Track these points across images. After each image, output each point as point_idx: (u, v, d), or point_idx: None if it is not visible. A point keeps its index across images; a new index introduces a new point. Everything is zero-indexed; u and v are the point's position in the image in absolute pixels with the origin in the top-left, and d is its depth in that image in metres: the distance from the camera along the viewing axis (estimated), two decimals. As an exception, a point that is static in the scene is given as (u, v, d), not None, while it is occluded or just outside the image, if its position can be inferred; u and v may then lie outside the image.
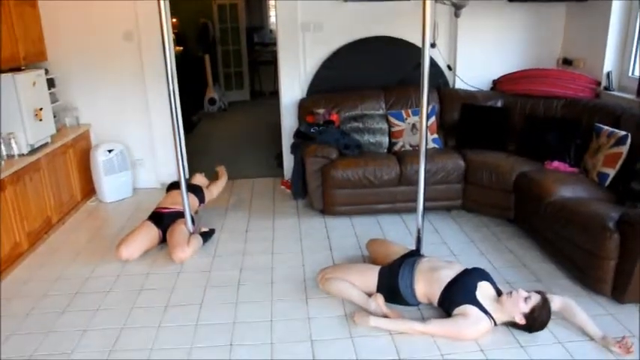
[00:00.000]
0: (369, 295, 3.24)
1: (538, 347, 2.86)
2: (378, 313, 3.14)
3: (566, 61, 5.26)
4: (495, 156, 4.53)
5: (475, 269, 3.19)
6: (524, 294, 2.91)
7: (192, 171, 5.91)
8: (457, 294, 3.01)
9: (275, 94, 5.73)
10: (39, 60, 4.97)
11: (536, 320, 2.89)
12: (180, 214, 4.19)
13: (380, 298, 3.18)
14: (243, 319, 3.22)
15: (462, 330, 2.92)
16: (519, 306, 2.88)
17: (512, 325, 2.96)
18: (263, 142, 7.32)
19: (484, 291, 3.03)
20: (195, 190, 4.64)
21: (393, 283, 3.21)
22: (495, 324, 2.95)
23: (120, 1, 5.08)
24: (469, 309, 2.93)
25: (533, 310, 2.87)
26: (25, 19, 4.70)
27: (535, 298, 2.89)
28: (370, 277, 3.27)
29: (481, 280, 3.07)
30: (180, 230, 4.09)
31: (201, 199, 4.67)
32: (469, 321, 2.91)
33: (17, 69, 4.43)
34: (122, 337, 3.09)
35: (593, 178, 3.95)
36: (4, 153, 4.10)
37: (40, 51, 5.01)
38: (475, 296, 2.97)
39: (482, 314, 2.92)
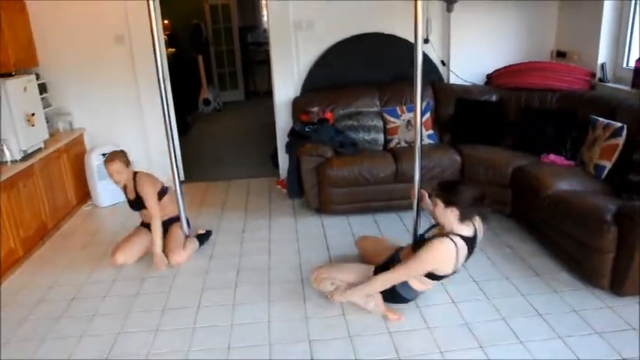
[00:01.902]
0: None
1: (537, 343, 2.84)
2: (377, 313, 3.12)
3: (560, 54, 5.24)
4: (491, 151, 4.51)
5: None
6: (434, 202, 2.91)
7: (188, 173, 5.91)
8: None
9: (270, 93, 5.70)
10: (30, 65, 4.94)
11: (462, 199, 2.83)
12: (173, 219, 4.16)
13: (378, 297, 3.16)
14: (240, 321, 3.20)
15: (421, 255, 2.86)
16: (442, 211, 2.87)
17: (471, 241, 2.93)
18: (258, 142, 7.29)
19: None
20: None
21: None
22: (456, 244, 2.83)
23: (110, 1, 5.06)
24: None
25: (453, 201, 2.82)
26: (14, 24, 4.67)
27: (439, 196, 2.88)
28: (365, 275, 3.24)
29: None
30: (176, 234, 4.08)
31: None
32: (425, 247, 2.87)
33: (7, 74, 4.40)
34: (119, 342, 3.06)
35: (590, 171, 3.93)
36: (-4, 159, 4.07)
37: (31, 56, 4.97)
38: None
39: (436, 239, 2.87)
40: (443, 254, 2.85)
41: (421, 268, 2.92)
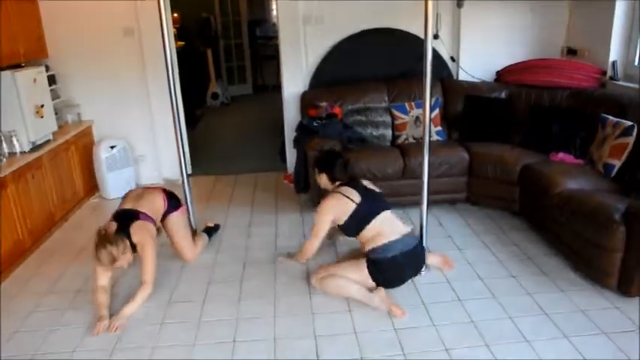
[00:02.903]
0: (369, 289, 3.24)
1: (543, 342, 2.83)
2: (383, 308, 3.12)
3: (571, 51, 5.20)
4: (500, 148, 4.49)
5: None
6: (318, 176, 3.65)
7: (195, 167, 5.91)
8: None
9: (278, 88, 5.69)
10: (39, 57, 4.95)
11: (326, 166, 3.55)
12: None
13: (382, 291, 3.16)
14: (246, 315, 3.21)
15: (318, 210, 3.46)
16: (320, 178, 3.63)
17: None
18: (266, 136, 7.30)
19: None
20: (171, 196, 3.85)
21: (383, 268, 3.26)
22: (341, 193, 3.39)
23: (120, -2, 5.07)
24: None
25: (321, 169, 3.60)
26: (25, 15, 4.68)
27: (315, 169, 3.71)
28: (364, 269, 3.26)
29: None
30: (184, 231, 3.91)
31: (173, 206, 3.81)
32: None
33: (17, 66, 4.42)
34: (125, 334, 3.07)
35: (599, 170, 3.90)
36: (5, 151, 4.08)
37: (41, 48, 4.99)
38: None
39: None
40: (331, 203, 3.40)
41: (323, 218, 3.42)
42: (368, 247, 3.29)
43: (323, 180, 3.62)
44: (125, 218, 3.40)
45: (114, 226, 3.33)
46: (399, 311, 3.10)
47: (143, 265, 3.35)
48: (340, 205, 3.36)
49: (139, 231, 3.34)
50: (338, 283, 3.28)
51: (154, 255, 3.36)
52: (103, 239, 3.18)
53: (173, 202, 3.80)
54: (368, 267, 3.24)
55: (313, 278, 3.44)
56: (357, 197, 3.35)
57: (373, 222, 3.30)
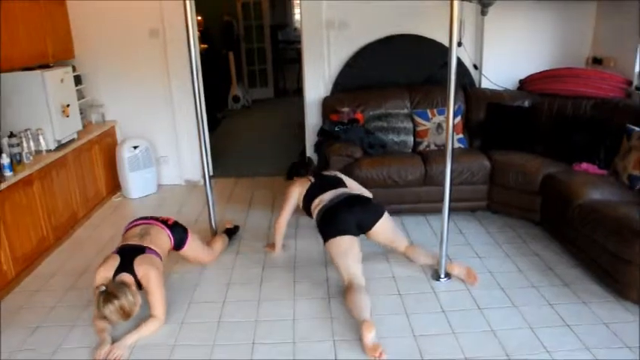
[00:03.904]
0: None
1: (564, 353, 2.80)
2: None
3: (596, 60, 5.15)
4: (522, 157, 4.45)
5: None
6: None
7: (216, 168, 5.96)
8: None
9: (299, 92, 5.71)
10: (66, 57, 5.04)
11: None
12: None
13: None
14: (265, 317, 3.22)
15: (285, 193, 4.03)
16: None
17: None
18: (286, 140, 7.33)
19: None
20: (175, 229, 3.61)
21: None
22: (300, 185, 3.98)
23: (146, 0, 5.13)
24: None
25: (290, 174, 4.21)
26: (54, 16, 4.77)
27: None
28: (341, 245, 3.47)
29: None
30: (201, 250, 3.80)
31: (179, 242, 3.60)
32: None
33: (46, 66, 4.50)
34: (145, 333, 3.11)
35: (624, 181, 3.86)
36: (32, 148, 4.15)
37: (68, 48, 5.08)
38: None
39: None
40: (292, 189, 3.97)
41: (288, 200, 3.96)
42: (314, 215, 3.76)
43: (297, 184, 4.04)
44: (129, 252, 3.19)
45: (116, 260, 3.12)
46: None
47: (151, 299, 3.13)
48: (302, 183, 3.97)
49: (144, 263, 3.11)
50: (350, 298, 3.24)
51: (160, 286, 3.15)
52: (108, 296, 2.89)
53: (177, 232, 3.56)
54: (318, 229, 3.65)
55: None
56: (312, 179, 3.98)
57: (321, 196, 3.75)
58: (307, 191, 3.88)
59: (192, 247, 3.68)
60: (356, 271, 3.33)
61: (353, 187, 4.00)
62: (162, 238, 3.43)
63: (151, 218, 3.56)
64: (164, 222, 3.55)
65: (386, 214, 3.69)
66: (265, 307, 3.35)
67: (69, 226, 4.52)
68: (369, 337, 2.86)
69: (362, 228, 3.60)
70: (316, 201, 3.75)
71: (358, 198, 3.74)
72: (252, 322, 3.18)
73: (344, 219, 3.52)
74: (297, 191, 3.97)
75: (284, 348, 2.93)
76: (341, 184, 3.90)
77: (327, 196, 3.72)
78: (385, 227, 3.67)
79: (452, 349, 2.87)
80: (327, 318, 3.19)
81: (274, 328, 3.11)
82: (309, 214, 3.86)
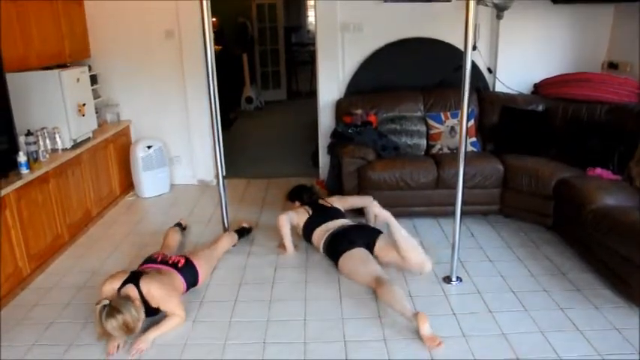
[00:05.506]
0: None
1: (576, 357, 2.79)
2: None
3: (612, 65, 5.12)
4: (535, 161, 4.43)
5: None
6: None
7: (228, 169, 5.97)
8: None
9: (312, 94, 5.73)
10: (83, 57, 5.10)
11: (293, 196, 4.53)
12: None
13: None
14: (276, 317, 3.24)
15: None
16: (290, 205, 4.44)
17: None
18: (299, 141, 7.34)
19: None
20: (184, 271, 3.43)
21: None
22: (296, 212, 4.22)
23: (162, 0, 5.17)
24: None
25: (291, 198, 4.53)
26: (72, 16, 4.83)
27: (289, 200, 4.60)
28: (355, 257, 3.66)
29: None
30: (204, 268, 3.60)
31: (191, 284, 3.47)
32: None
33: (63, 65, 4.55)
34: (158, 331, 3.13)
35: (638, 186, 3.83)
36: (49, 147, 4.20)
37: (84, 48, 5.14)
38: None
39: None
40: (291, 214, 4.15)
41: (281, 220, 4.07)
42: (319, 244, 3.93)
43: (295, 205, 4.38)
44: (140, 272, 3.16)
45: (125, 274, 3.09)
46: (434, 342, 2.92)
47: (164, 307, 3.10)
48: (299, 214, 4.15)
49: (147, 278, 3.06)
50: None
51: (169, 296, 3.10)
52: (111, 310, 2.82)
53: (189, 274, 3.42)
54: (327, 253, 3.88)
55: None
56: (310, 211, 4.15)
57: (326, 224, 3.98)
58: (308, 220, 4.09)
59: (204, 275, 3.58)
60: (377, 269, 3.49)
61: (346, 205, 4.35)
62: (176, 283, 3.31)
63: (161, 262, 3.39)
64: (174, 265, 3.39)
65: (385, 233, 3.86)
66: (277, 307, 3.36)
67: (83, 225, 4.57)
68: (426, 327, 2.93)
69: (370, 246, 3.75)
70: (321, 228, 3.99)
71: (363, 225, 4.07)
72: (264, 321, 3.20)
73: (354, 235, 3.81)
74: (295, 218, 4.15)
75: (295, 348, 2.94)
76: (339, 214, 4.15)
77: (333, 225, 3.96)
78: (387, 240, 3.75)
79: (462, 353, 2.87)
80: (338, 319, 3.20)
81: (285, 328, 3.12)
82: (309, 240, 4.11)
